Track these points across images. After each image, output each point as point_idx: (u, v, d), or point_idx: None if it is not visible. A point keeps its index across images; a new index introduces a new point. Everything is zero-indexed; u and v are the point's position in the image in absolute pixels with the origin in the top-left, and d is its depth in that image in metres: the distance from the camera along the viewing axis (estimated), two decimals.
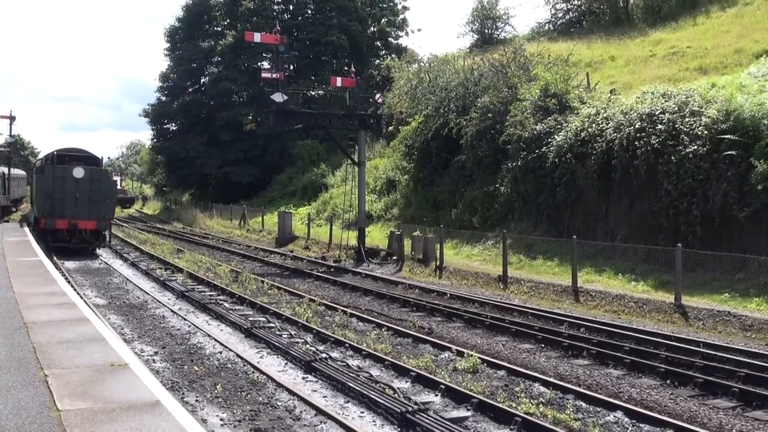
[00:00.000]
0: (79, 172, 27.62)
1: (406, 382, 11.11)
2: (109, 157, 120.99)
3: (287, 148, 55.18)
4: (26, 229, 31.53)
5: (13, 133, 50.45)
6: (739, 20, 32.78)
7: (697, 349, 13.07)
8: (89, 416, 5.89)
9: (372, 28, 61.32)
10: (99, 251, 29.55)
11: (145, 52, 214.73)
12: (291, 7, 62.24)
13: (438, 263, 24.74)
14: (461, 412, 9.61)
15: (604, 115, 23.19)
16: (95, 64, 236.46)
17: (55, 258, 25.16)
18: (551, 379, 11.20)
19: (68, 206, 27.36)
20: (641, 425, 9.21)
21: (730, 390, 10.72)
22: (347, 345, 13.34)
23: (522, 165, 25.89)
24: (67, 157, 29.08)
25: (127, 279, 22.38)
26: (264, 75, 34.89)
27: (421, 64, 41.40)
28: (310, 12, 61.09)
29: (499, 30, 51.82)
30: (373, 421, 9.21)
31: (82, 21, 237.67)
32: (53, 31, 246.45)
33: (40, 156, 37.50)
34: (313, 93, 56.97)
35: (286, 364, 12.10)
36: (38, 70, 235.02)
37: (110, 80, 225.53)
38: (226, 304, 17.74)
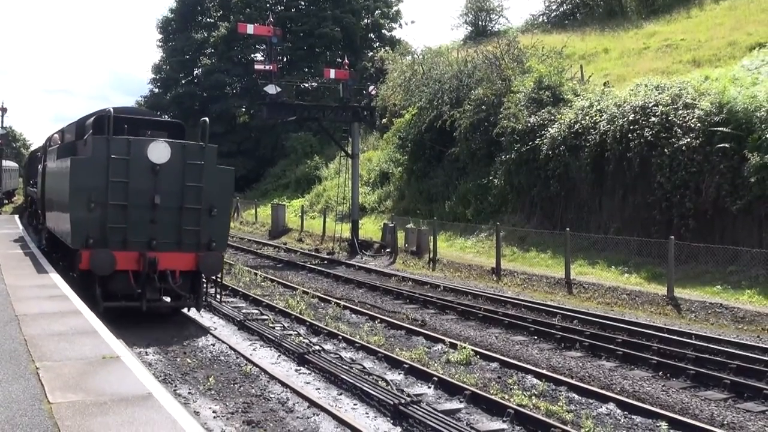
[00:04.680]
0: (160, 152, 12.91)
1: (399, 374, 11.11)
2: None
3: (281, 141, 55.02)
4: (18, 220, 30.97)
5: (4, 125, 50.17)
6: (733, 13, 32.79)
7: (689, 341, 13.13)
8: (81, 409, 5.87)
9: (366, 20, 61.06)
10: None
11: (135, 45, 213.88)
12: None
13: (431, 255, 24.74)
14: (454, 404, 9.63)
15: (598, 108, 23.19)
16: (85, 57, 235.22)
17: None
18: (544, 371, 11.22)
19: (137, 224, 12.89)
20: (633, 417, 9.24)
21: (722, 382, 10.78)
22: (340, 337, 13.34)
23: (515, 157, 25.89)
24: (129, 123, 13.90)
25: None
26: (257, 67, 34.74)
27: (415, 56, 41.32)
28: (303, 3, 60.79)
29: (493, 22, 51.77)
30: (366, 413, 9.22)
31: (70, 12, 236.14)
32: (42, 23, 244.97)
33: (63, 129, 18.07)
34: (306, 85, 56.75)
35: (279, 356, 12.09)
36: (28, 61, 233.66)
37: (100, 73, 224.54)
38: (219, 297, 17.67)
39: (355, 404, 9.59)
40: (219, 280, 14.33)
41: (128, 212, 12.68)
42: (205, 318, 14.69)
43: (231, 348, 12.26)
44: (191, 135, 15.37)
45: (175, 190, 13.00)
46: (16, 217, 30.80)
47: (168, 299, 13.93)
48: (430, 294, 18.67)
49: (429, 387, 10.43)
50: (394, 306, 17.40)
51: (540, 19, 48.88)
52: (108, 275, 12.58)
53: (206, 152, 13.36)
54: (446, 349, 12.64)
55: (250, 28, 32.16)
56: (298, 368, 11.36)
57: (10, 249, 18.38)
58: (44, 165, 18.04)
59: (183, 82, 63.94)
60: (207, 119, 13.52)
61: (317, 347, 12.32)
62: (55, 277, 13.42)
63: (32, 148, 58.96)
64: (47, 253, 17.58)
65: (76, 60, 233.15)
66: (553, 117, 25.05)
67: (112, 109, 12.88)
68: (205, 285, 14.25)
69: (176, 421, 5.62)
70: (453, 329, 14.76)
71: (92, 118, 14.50)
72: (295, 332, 13.73)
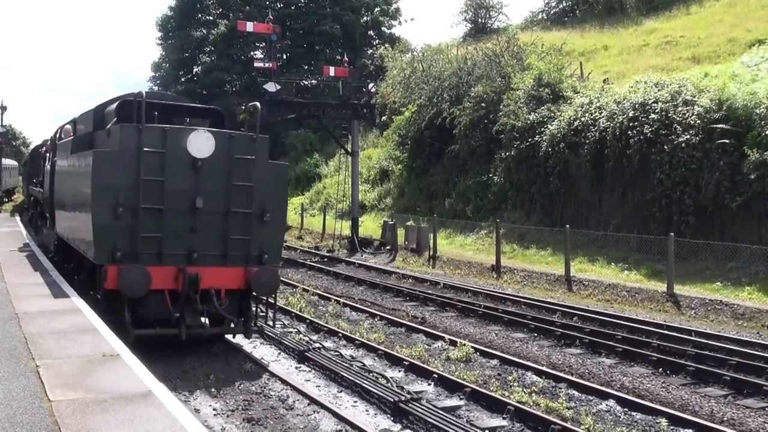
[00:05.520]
0: (202, 143, 10.71)
1: (399, 371, 11.12)
2: None
3: (280, 138, 54.99)
4: (18, 219, 30.96)
5: (4, 123, 50.13)
6: (732, 9, 32.77)
7: (688, 337, 13.14)
8: (81, 406, 5.87)
9: (365, 18, 61.02)
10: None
11: (134, 43, 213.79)
12: None
13: (431, 253, 24.75)
14: (454, 401, 9.64)
15: (597, 105, 23.18)
16: (84, 55, 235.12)
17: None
18: (544, 368, 11.24)
19: (175, 233, 10.65)
20: (633, 413, 9.25)
21: (722, 378, 10.79)
22: (340, 335, 13.35)
23: (515, 154, 25.89)
24: (159, 109, 11.46)
25: None
26: (257, 64, 34.80)
27: (415, 53, 41.25)
28: (303, 1, 60.72)
29: (493, 19, 51.72)
30: (366, 410, 9.23)
31: (69, 10, 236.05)
32: (41, 21, 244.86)
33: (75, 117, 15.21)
34: (306, 83, 56.69)
35: (279, 353, 12.10)
36: (27, 60, 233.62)
37: (99, 71, 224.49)
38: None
39: (355, 401, 9.60)
40: (270, 305, 11.88)
41: (164, 218, 10.37)
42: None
43: (230, 345, 12.25)
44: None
45: (220, 191, 10.72)
46: (18, 218, 30.58)
47: (203, 319, 11.29)
48: (430, 291, 18.69)
49: (429, 384, 10.44)
50: (394, 303, 17.41)
51: (539, 16, 48.82)
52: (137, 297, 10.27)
53: (257, 144, 11.04)
54: (446, 347, 12.65)
55: (250, 26, 32.12)
56: (299, 365, 11.38)
57: (10, 247, 18.38)
58: (53, 161, 15.45)
59: (183, 79, 63.90)
60: (258, 104, 11.51)
61: (318, 344, 12.34)
62: (56, 276, 13.39)
63: (32, 146, 58.91)
64: (57, 263, 14.90)
65: (76, 58, 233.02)
66: (552, 114, 25.04)
67: (144, 92, 10.90)
68: (250, 305, 11.71)
69: (176, 419, 5.63)
70: (453, 326, 14.77)
71: (115, 104, 12.09)
72: (296, 330, 13.74)
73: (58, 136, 15.87)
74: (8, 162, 54.06)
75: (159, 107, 11.42)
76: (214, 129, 11.14)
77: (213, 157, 10.62)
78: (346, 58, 33.21)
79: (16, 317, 9.40)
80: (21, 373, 6.78)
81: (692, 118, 19.54)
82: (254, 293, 11.26)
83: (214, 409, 8.90)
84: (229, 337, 12.22)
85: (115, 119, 11.49)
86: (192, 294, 10.40)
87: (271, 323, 12.17)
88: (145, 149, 10.28)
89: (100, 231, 10.30)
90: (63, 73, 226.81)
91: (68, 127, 15.27)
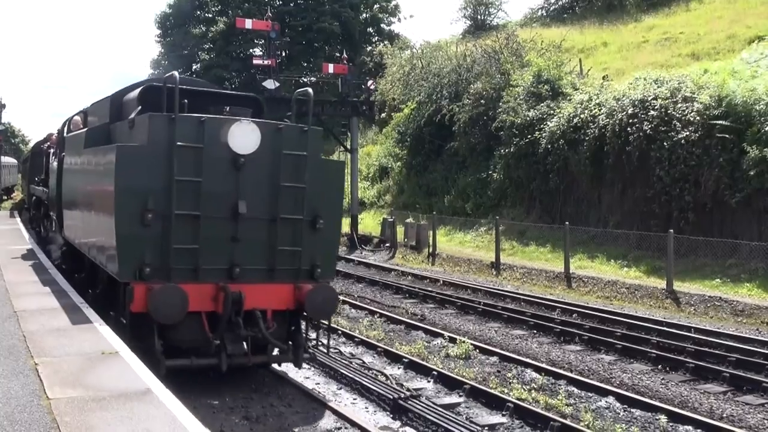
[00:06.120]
0: (246, 137, 8.88)
1: (399, 368, 11.12)
2: None
3: None
4: (18, 219, 30.84)
5: (2, 121, 50.05)
6: (732, 6, 32.73)
7: (688, 334, 13.14)
8: (79, 404, 5.86)
9: (364, 15, 61.02)
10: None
11: (133, 40, 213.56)
12: None
13: (431, 250, 24.74)
14: (453, 398, 9.64)
15: (597, 102, 23.16)
16: (83, 52, 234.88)
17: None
18: (543, 365, 11.24)
19: (214, 244, 8.88)
20: (633, 410, 9.26)
21: (721, 375, 10.80)
22: (340, 332, 13.35)
23: (515, 151, 25.88)
24: (189, 96, 9.38)
25: None
26: (256, 62, 34.75)
27: (414, 50, 41.28)
28: None
29: (492, 16, 51.69)
30: (366, 408, 9.22)
31: (68, 8, 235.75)
32: (39, 18, 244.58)
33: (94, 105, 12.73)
34: (305, 80, 56.68)
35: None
36: (25, 58, 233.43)
37: (98, 68, 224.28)
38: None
39: (354, 399, 9.60)
40: (323, 333, 10.13)
41: (201, 226, 8.66)
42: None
43: None
44: None
45: (266, 193, 9.03)
46: (18, 219, 30.23)
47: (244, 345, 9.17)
48: (429, 288, 18.69)
49: (428, 381, 10.44)
50: (393, 300, 17.42)
51: (539, 13, 48.81)
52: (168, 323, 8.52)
53: (310, 138, 9.33)
54: (446, 344, 12.65)
55: (249, 23, 32.13)
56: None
57: (10, 245, 18.37)
58: (61, 158, 13.69)
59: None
60: (311, 90, 9.99)
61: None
62: (55, 274, 13.35)
63: (31, 143, 58.82)
64: (65, 272, 13.39)
65: (74, 56, 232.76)
66: (552, 111, 25.02)
67: (176, 74, 8.87)
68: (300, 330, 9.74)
69: (175, 417, 5.62)
70: (452, 323, 14.77)
71: (138, 90, 10.34)
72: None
73: (66, 128, 14.16)
74: (7, 160, 54.01)
75: (188, 94, 9.38)
76: (258, 119, 9.45)
77: (258, 153, 8.87)
78: (345, 56, 33.27)
79: (15, 315, 9.38)
80: (20, 371, 6.76)
81: (692, 114, 19.52)
82: (308, 315, 9.46)
83: (213, 407, 8.86)
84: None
85: (139, 108, 9.64)
86: (234, 317, 8.66)
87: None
88: (178, 143, 8.52)
89: (124, 242, 8.56)
90: (61, 71, 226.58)
91: (77, 118, 13.67)
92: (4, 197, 50.02)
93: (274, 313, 9.07)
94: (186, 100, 9.07)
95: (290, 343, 9.54)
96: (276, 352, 9.67)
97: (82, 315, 9.38)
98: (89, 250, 10.59)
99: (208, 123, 8.75)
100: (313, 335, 10.23)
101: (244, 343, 8.97)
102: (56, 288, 11.72)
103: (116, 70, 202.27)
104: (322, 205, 9.36)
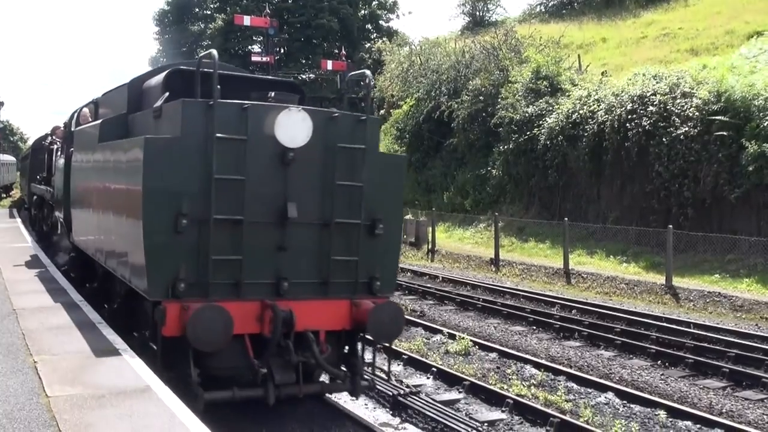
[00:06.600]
0: (295, 127, 7.39)
1: (398, 365, 11.11)
2: None
3: None
4: (16, 216, 30.78)
5: (1, 119, 50.03)
6: (731, 1, 32.66)
7: (687, 329, 13.16)
8: (78, 402, 5.86)
9: (363, 11, 60.93)
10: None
11: (132, 37, 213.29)
12: None
13: (430, 246, 24.75)
14: (453, 395, 9.63)
15: (596, 97, 23.16)
16: (82, 50, 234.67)
17: None
18: (543, 361, 11.24)
19: (259, 254, 7.44)
20: (632, 406, 9.26)
21: (720, 370, 10.80)
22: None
23: (513, 148, 25.88)
24: (222, 81, 7.60)
25: None
26: (254, 58, 34.75)
27: (413, 47, 41.22)
28: None
29: (491, 12, 51.62)
30: (365, 404, 9.21)
31: (67, 5, 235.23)
32: (38, 16, 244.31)
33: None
34: (303, 76, 56.64)
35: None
36: (24, 55, 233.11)
37: (97, 66, 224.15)
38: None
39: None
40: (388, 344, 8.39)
41: (245, 233, 7.30)
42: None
43: None
44: None
45: (318, 194, 7.66)
46: (19, 220, 29.94)
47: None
48: (428, 285, 18.69)
49: (428, 377, 10.44)
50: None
51: (537, 9, 48.76)
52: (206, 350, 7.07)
53: (369, 128, 7.97)
54: (445, 340, 12.65)
55: (247, 20, 32.12)
56: None
57: (9, 243, 18.37)
58: (69, 154, 12.29)
59: None
60: (369, 72, 8.77)
61: None
62: (54, 271, 13.33)
63: (29, 141, 58.71)
64: (73, 280, 12.25)
65: (73, 53, 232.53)
66: (550, 107, 25.03)
67: (215, 53, 7.46)
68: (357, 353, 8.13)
69: (174, 414, 5.62)
70: (452, 320, 14.77)
71: (163, 74, 8.88)
72: None
73: (74, 121, 12.90)
74: (5, 157, 53.97)
75: (221, 79, 7.79)
76: (309, 107, 8.04)
77: (309, 147, 7.48)
78: (344, 52, 33.28)
79: (14, 313, 9.38)
80: (19, 369, 6.76)
81: (691, 110, 19.52)
82: (371, 337, 7.90)
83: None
84: None
85: (167, 95, 8.17)
86: (283, 340, 7.25)
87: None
88: (218, 135, 7.15)
89: (155, 253, 7.14)
90: (60, 69, 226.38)
91: (86, 110, 12.40)
92: (3, 195, 49.99)
93: (326, 334, 7.69)
94: (218, 87, 7.47)
95: (343, 368, 8.03)
96: (323, 377, 8.26)
97: (81, 313, 9.36)
98: (106, 260, 9.20)
99: (252, 111, 7.37)
100: (368, 357, 8.49)
101: (296, 373, 7.48)
102: (56, 286, 11.70)
103: (114, 67, 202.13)
104: (381, 207, 7.96)
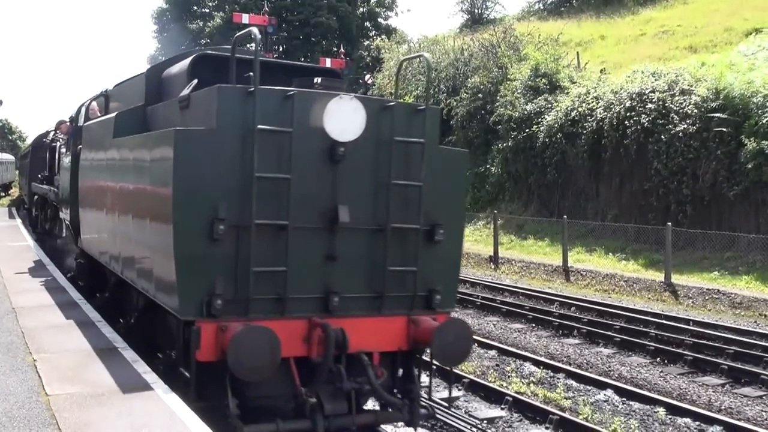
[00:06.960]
0: (347, 118, 6.26)
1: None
2: None
3: None
4: (16, 215, 30.71)
5: (0, 118, 49.94)
6: None
7: (686, 327, 13.17)
8: (78, 400, 5.85)
9: (361, 9, 60.89)
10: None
11: (131, 36, 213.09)
12: None
13: None
14: (452, 393, 9.62)
15: (594, 95, 23.16)
16: (81, 48, 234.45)
17: None
18: (542, 359, 11.26)
19: (306, 264, 6.30)
20: (631, 403, 9.27)
21: (719, 367, 10.82)
22: None
23: (512, 145, 25.89)
24: (262, 68, 6.11)
25: None
26: None
27: (411, 44, 41.19)
28: None
29: (489, 10, 51.58)
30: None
31: (66, 4, 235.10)
32: (37, 15, 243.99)
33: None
34: None
35: None
36: (23, 54, 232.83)
37: (96, 64, 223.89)
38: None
39: None
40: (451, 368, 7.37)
41: (290, 240, 6.23)
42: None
43: None
44: None
45: (371, 195, 6.61)
46: (19, 222, 29.72)
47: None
48: None
49: (426, 375, 10.41)
50: None
51: (536, 6, 48.74)
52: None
53: (428, 119, 6.89)
54: None
55: (246, 18, 31.96)
56: None
57: (7, 242, 18.36)
58: (76, 151, 11.20)
59: None
60: (428, 55, 7.86)
61: None
62: (53, 270, 13.31)
63: (28, 139, 58.64)
64: (82, 289, 11.27)
65: (72, 52, 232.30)
66: (549, 104, 25.03)
67: (256, 31, 6.57)
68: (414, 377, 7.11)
69: (174, 413, 5.62)
70: None
71: (188, 60, 7.80)
72: None
73: (82, 115, 11.81)
74: (4, 156, 53.95)
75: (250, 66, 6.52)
76: (361, 95, 7.10)
77: (361, 141, 6.43)
78: (343, 50, 33.20)
79: (14, 311, 9.37)
80: (18, 368, 6.76)
81: (689, 107, 19.52)
82: (436, 360, 6.86)
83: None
84: None
85: (195, 82, 7.16)
86: (333, 365, 6.24)
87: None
88: (260, 127, 6.06)
89: (187, 264, 6.07)
90: (59, 68, 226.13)
91: (95, 104, 11.50)
92: (2, 194, 49.98)
93: (381, 356, 6.69)
94: (250, 74, 6.38)
95: (398, 394, 6.96)
96: (373, 404, 7.31)
97: (81, 312, 9.34)
98: (123, 270, 8.14)
99: (298, 98, 6.27)
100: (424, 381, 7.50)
101: (349, 403, 6.37)
102: (55, 284, 11.70)
103: (113, 66, 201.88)
104: (441, 209, 6.88)
